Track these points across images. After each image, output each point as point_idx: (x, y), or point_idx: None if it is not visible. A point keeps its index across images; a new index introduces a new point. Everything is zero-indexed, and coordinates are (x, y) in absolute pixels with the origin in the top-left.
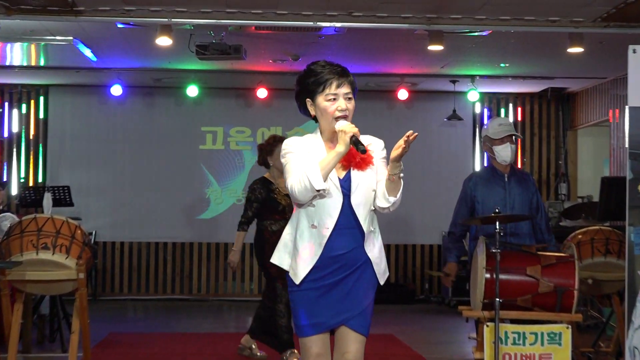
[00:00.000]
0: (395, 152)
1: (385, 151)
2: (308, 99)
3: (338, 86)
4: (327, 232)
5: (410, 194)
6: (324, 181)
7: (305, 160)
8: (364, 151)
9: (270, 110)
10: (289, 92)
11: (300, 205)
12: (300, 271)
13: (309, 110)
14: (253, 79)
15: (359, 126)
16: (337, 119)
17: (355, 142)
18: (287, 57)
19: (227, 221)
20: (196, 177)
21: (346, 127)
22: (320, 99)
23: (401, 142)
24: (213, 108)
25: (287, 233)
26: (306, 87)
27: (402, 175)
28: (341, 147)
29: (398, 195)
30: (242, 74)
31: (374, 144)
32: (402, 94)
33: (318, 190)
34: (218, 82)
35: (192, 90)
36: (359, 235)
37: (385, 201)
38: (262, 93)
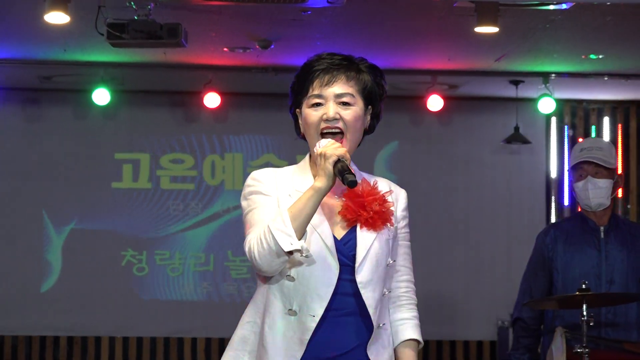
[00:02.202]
0: None
1: (407, 208)
2: (297, 109)
3: (326, 83)
4: (313, 323)
5: (449, 265)
6: (300, 237)
7: (277, 209)
8: (354, 183)
9: (225, 126)
10: (255, 99)
11: (266, 279)
12: None
13: (300, 125)
14: (198, 78)
15: (365, 153)
16: (323, 135)
17: (340, 169)
18: (251, 43)
19: (155, 309)
20: (105, 235)
21: (327, 149)
22: (304, 106)
23: None
24: (134, 123)
25: (246, 321)
26: (293, 91)
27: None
28: (321, 181)
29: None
30: (180, 70)
31: (395, 194)
32: (434, 102)
33: (289, 254)
34: (142, 82)
35: (101, 96)
36: (364, 327)
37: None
38: (211, 100)
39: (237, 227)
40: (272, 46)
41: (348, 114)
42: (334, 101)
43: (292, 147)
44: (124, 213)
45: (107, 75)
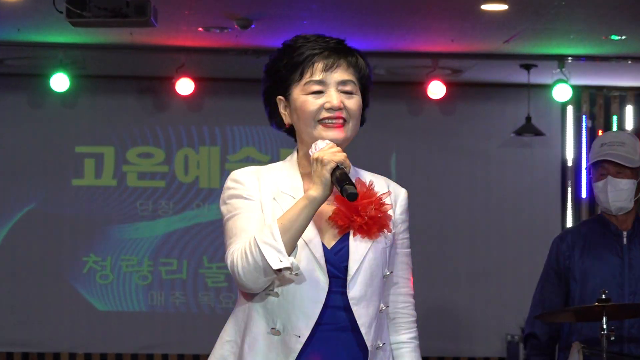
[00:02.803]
0: None
1: (407, 210)
2: (280, 97)
3: (327, 68)
4: (299, 344)
5: (452, 272)
6: (290, 252)
7: (261, 215)
8: (354, 196)
9: (200, 116)
10: (233, 85)
11: (249, 295)
12: None
13: (282, 115)
14: (169, 62)
15: (358, 144)
16: (322, 123)
17: (338, 178)
18: (229, 22)
19: (121, 322)
20: (64, 238)
21: (325, 153)
22: (297, 92)
23: None
24: (97, 113)
25: (226, 340)
26: (276, 74)
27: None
28: (316, 190)
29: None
30: (149, 53)
31: (393, 194)
32: (436, 89)
33: (277, 271)
34: (106, 67)
35: (60, 81)
36: (357, 346)
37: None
38: (184, 86)
39: (213, 230)
40: (253, 26)
41: (352, 102)
42: (336, 88)
43: (275, 139)
44: (85, 214)
45: (67, 58)
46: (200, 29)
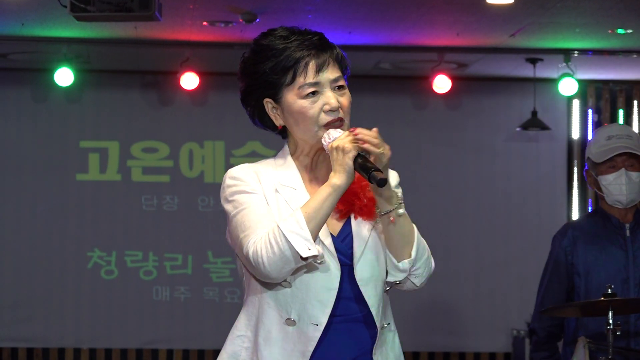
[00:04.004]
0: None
1: (399, 186)
2: (267, 99)
3: (319, 69)
4: (317, 332)
5: (457, 267)
6: (314, 241)
7: (268, 207)
8: (384, 182)
9: (204, 110)
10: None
11: (265, 285)
12: None
13: (271, 117)
14: (174, 56)
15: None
16: (325, 126)
17: (363, 165)
18: (234, 16)
19: (125, 317)
20: (68, 233)
21: (345, 142)
22: (291, 97)
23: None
24: (101, 107)
25: (237, 335)
26: (262, 77)
27: (402, 211)
28: (340, 178)
29: (414, 250)
30: (153, 47)
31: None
32: (441, 83)
33: (304, 259)
34: (111, 61)
35: (64, 76)
36: (366, 333)
37: (396, 271)
38: (189, 81)
39: (217, 224)
40: (258, 20)
41: (345, 99)
42: (331, 87)
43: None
44: (90, 209)
45: (71, 52)
46: (204, 23)
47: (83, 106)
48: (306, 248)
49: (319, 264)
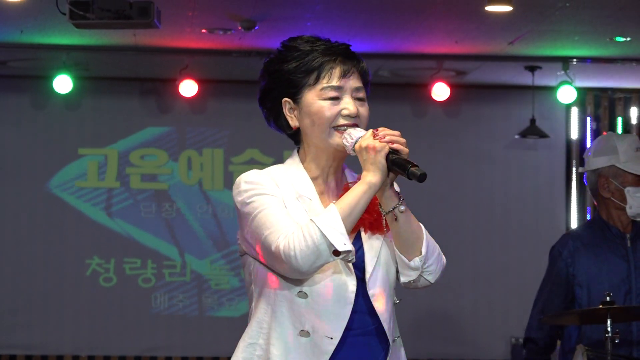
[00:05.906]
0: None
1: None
2: (286, 99)
3: (344, 74)
4: (331, 346)
5: (456, 275)
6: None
7: (286, 210)
8: (424, 176)
9: (203, 117)
10: (237, 87)
11: (280, 294)
12: None
13: (287, 117)
14: (172, 64)
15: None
16: (337, 129)
17: (397, 162)
18: (233, 24)
19: (124, 324)
20: (67, 240)
21: (374, 141)
22: (311, 97)
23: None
24: (100, 114)
25: (248, 343)
26: (284, 76)
27: (403, 208)
28: (374, 176)
29: (424, 247)
30: (152, 55)
31: None
32: (440, 91)
33: (338, 254)
34: (109, 68)
35: (63, 83)
36: (379, 346)
37: (409, 270)
38: (188, 88)
39: (216, 232)
40: (257, 27)
41: (365, 110)
42: (352, 95)
43: (278, 142)
44: (88, 216)
45: (70, 60)
46: (203, 30)
47: (82, 113)
48: (342, 242)
49: (349, 261)
